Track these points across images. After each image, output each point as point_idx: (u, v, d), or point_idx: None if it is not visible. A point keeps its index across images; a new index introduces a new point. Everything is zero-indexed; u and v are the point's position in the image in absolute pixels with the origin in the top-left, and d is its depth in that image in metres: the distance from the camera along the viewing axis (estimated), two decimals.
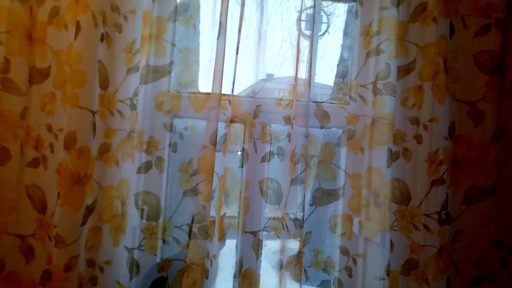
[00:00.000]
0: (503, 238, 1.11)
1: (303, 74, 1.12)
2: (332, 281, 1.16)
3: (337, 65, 1.23)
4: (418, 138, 1.11)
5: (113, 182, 1.12)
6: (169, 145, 1.10)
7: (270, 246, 1.14)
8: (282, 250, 1.11)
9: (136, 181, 1.09)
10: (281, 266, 1.12)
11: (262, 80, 1.17)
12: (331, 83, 1.22)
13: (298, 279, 1.08)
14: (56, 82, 1.09)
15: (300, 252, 1.08)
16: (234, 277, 1.12)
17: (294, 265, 1.09)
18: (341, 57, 1.23)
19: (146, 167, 1.09)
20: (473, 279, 1.12)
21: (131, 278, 1.07)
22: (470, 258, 1.12)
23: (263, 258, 1.15)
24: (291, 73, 1.13)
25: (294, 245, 1.10)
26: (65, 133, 1.03)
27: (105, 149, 1.11)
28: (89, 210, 1.08)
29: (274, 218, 1.14)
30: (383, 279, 1.06)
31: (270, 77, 1.19)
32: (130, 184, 1.09)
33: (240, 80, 1.13)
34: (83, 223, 1.05)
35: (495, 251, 1.11)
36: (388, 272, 1.07)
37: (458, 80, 1.13)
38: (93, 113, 1.04)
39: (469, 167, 1.11)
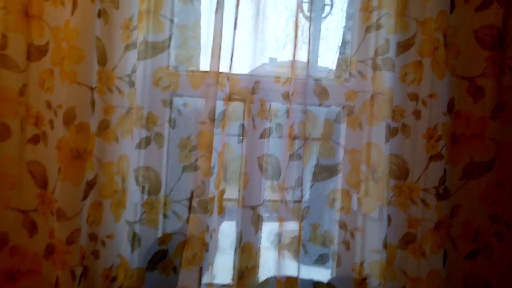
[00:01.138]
0: (501, 213, 1.12)
1: (304, 55, 1.11)
2: (330, 255, 1.18)
3: (339, 46, 1.22)
4: (417, 114, 1.11)
5: (113, 159, 1.13)
6: (168, 121, 1.11)
7: (269, 221, 1.16)
8: (281, 225, 1.13)
9: (136, 156, 1.10)
10: (279, 240, 1.13)
11: (264, 64, 1.17)
12: (334, 66, 1.22)
13: (296, 253, 1.10)
14: (54, 59, 1.09)
15: (299, 226, 1.09)
16: (234, 250, 1.14)
17: (292, 239, 1.11)
18: (343, 39, 1.22)
19: (145, 143, 1.09)
20: (470, 252, 1.13)
21: (132, 251, 1.09)
22: (467, 233, 1.13)
23: (262, 233, 1.16)
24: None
25: (292, 219, 1.11)
26: (64, 109, 1.04)
27: (104, 126, 1.12)
28: (90, 185, 1.10)
29: (272, 200, 1.15)
30: (381, 251, 1.08)
31: (272, 61, 1.19)
32: (130, 160, 1.10)
33: (241, 62, 1.13)
34: (84, 198, 1.07)
35: (492, 225, 1.12)
36: (385, 246, 1.08)
37: (458, 56, 1.12)
38: (92, 89, 1.04)
39: (467, 142, 1.11)
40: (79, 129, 1.04)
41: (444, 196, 1.09)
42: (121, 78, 1.12)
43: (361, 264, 1.14)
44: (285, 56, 1.17)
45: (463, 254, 1.14)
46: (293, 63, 1.10)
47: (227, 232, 1.17)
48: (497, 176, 1.11)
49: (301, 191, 1.09)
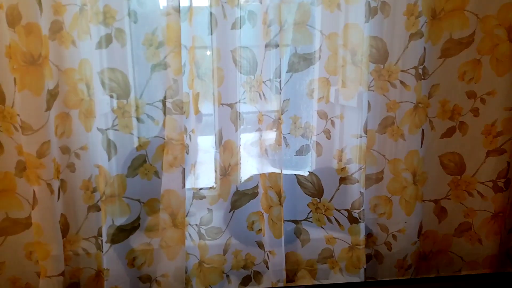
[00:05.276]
0: (477, 89, 1.12)
1: None
2: (311, 145, 1.18)
3: None
4: None
5: (73, 65, 1.04)
6: (128, 14, 0.99)
7: (248, 116, 1.13)
8: (260, 119, 1.10)
9: (98, 58, 1.00)
10: (260, 135, 1.11)
11: None
12: None
13: (278, 146, 1.09)
14: None
15: (279, 119, 1.07)
16: (215, 149, 1.12)
17: (274, 132, 1.09)
18: None
19: (106, 41, 0.99)
20: (446, 131, 1.15)
21: (109, 159, 1.05)
22: (444, 111, 1.14)
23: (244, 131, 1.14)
24: None
25: (272, 113, 1.08)
26: (6, 9, 0.91)
27: (57, 28, 1.00)
28: (52, 95, 1.01)
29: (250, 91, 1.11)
30: (361, 136, 1.08)
31: None
32: (92, 64, 1.01)
33: None
34: (48, 108, 0.99)
35: (468, 102, 1.13)
36: (366, 131, 1.08)
37: None
38: None
39: (447, 18, 1.06)
40: (29, 30, 0.93)
41: (423, 76, 1.07)
42: None
43: (342, 150, 1.16)
44: None
45: (440, 133, 1.16)
46: None
47: (206, 129, 1.14)
48: (475, 52, 1.09)
49: (280, 82, 1.05)
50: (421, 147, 1.12)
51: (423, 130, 1.11)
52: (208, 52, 1.07)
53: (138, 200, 1.12)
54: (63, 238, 1.09)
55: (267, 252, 1.15)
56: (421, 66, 1.06)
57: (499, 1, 1.04)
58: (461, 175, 1.19)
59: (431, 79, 1.11)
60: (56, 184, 1.05)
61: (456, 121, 1.15)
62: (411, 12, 1.03)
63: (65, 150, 1.08)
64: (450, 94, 1.13)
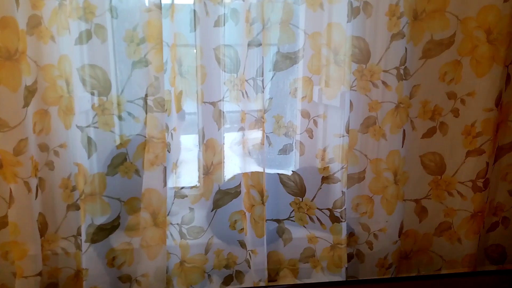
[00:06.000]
0: (457, 90, 1.14)
1: None
2: (293, 144, 1.18)
3: None
4: None
5: (52, 61, 1.01)
6: (109, 9, 0.98)
7: (231, 115, 1.12)
8: (243, 118, 1.09)
9: (78, 54, 0.99)
10: (243, 134, 1.11)
11: None
12: None
13: (261, 145, 1.09)
14: None
15: (262, 118, 1.07)
16: (198, 147, 1.11)
17: (257, 131, 1.09)
18: None
19: (86, 37, 0.97)
20: (427, 131, 1.17)
21: (89, 157, 1.03)
22: (425, 112, 1.15)
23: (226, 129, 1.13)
24: None
25: (255, 112, 1.08)
26: None
27: (35, 23, 0.98)
28: (30, 91, 0.99)
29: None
30: (343, 136, 1.09)
31: None
32: (72, 60, 0.99)
33: None
34: (26, 105, 0.97)
35: (449, 103, 1.15)
36: (348, 131, 1.09)
37: None
38: None
39: (428, 19, 1.07)
40: (4, 24, 0.91)
41: (404, 76, 1.08)
42: None
43: (324, 149, 1.16)
44: None
45: (421, 133, 1.17)
46: None
47: (189, 127, 1.13)
48: (456, 53, 1.10)
49: (262, 81, 1.04)
50: (402, 147, 1.13)
51: (404, 130, 1.12)
52: (195, 50, 1.06)
53: (118, 199, 1.10)
54: (41, 237, 1.07)
55: (249, 251, 1.15)
56: (403, 67, 1.07)
57: (478, 4, 1.06)
58: (442, 175, 1.21)
59: (413, 79, 1.12)
60: (34, 182, 1.02)
61: (437, 122, 1.16)
62: (393, 13, 1.04)
63: (43, 147, 1.06)
64: (431, 94, 1.14)
